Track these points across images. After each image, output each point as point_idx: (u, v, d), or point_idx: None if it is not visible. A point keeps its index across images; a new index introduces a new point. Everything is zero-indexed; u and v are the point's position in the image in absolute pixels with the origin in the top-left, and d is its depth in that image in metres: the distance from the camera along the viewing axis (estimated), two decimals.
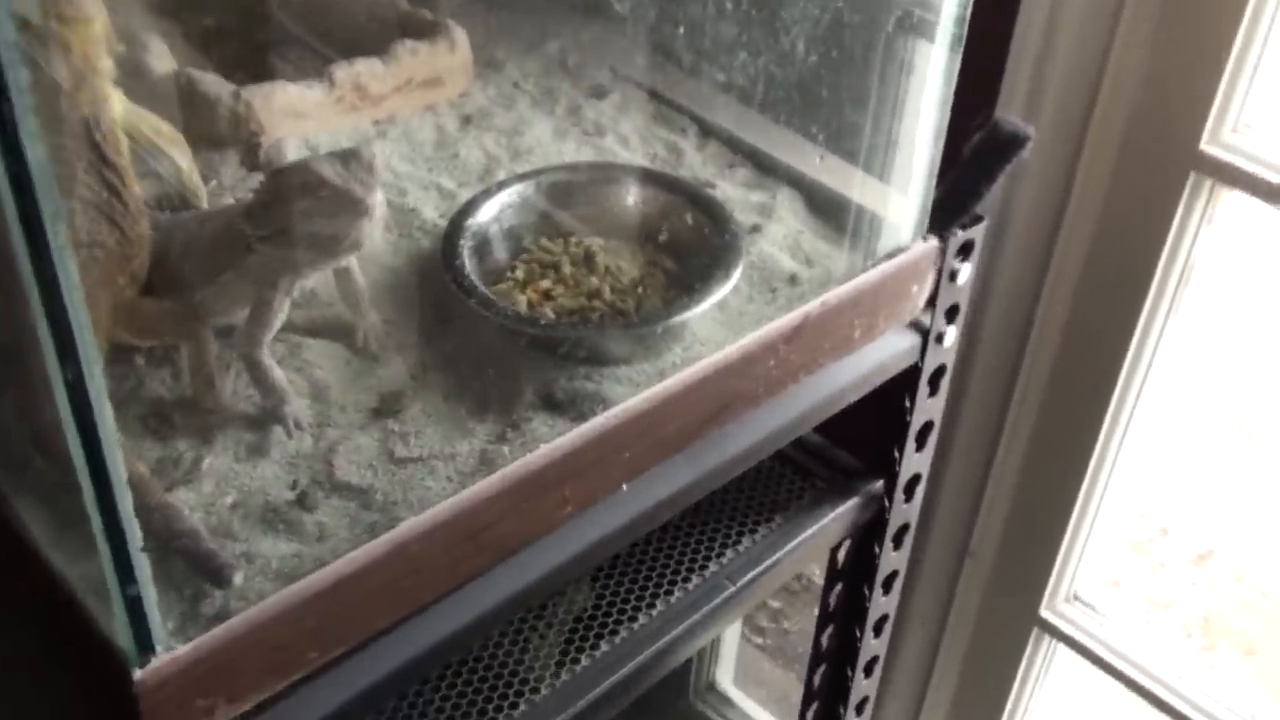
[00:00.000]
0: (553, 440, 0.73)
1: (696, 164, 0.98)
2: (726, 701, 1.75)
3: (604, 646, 0.90)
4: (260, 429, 0.74)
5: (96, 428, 0.52)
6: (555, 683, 0.87)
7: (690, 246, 0.87)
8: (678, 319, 0.79)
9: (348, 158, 0.70)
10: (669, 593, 0.95)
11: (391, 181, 0.92)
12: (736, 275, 0.82)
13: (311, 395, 0.76)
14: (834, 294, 0.85)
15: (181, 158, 0.82)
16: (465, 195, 0.90)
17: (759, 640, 1.97)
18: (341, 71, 0.93)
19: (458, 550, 0.70)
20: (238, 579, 0.63)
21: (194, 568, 0.64)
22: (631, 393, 0.77)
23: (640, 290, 0.84)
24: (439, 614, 0.72)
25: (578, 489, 0.75)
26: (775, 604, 1.95)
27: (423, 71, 0.97)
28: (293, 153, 0.91)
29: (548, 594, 0.81)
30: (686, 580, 0.96)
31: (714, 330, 0.83)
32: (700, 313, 0.80)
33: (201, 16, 0.99)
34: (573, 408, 0.76)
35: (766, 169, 0.98)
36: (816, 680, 1.22)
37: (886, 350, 0.94)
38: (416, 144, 0.96)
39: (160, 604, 0.60)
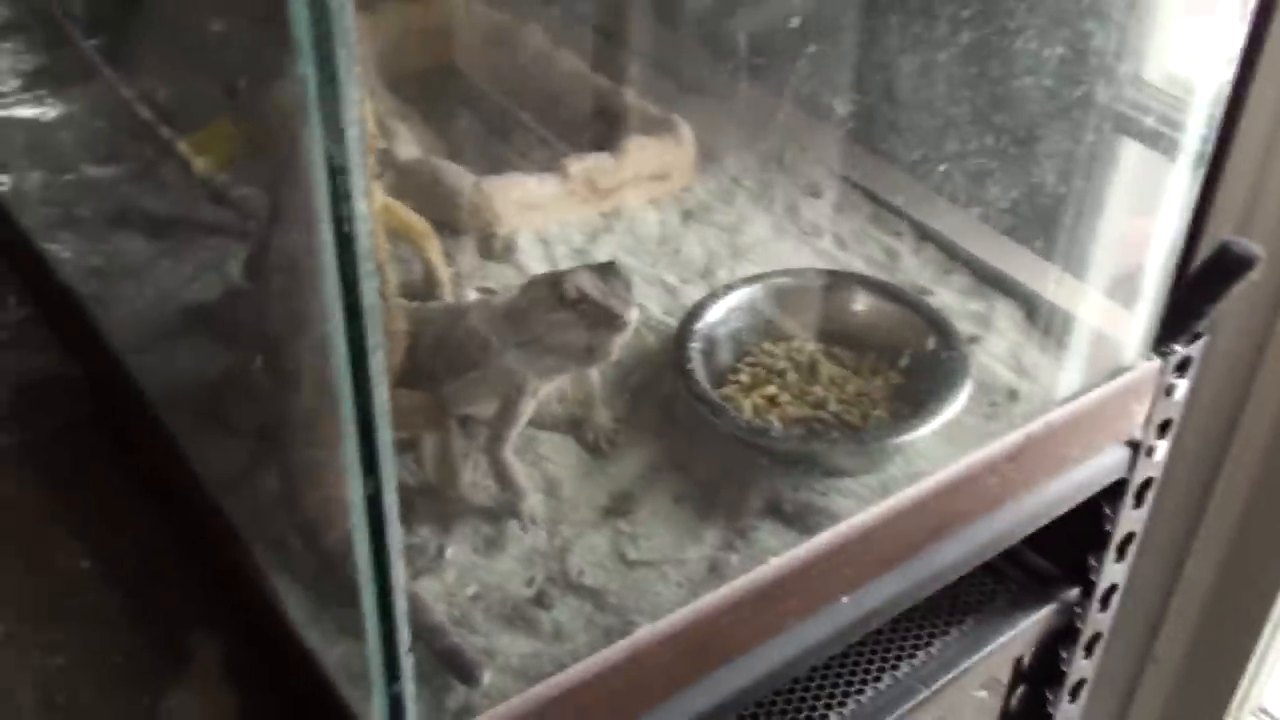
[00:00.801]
0: (781, 553, 0.74)
1: (912, 268, 0.98)
2: None
3: None
4: (496, 522, 0.76)
5: (386, 542, 0.55)
6: None
7: (915, 359, 0.87)
8: (908, 436, 0.80)
9: (605, 271, 0.72)
10: (860, 692, 0.95)
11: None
12: (965, 394, 0.82)
13: (545, 490, 0.78)
14: (1057, 414, 0.85)
15: (432, 251, 0.86)
16: (688, 291, 0.92)
17: None
18: (575, 165, 0.96)
19: (687, 658, 0.72)
20: (487, 678, 0.66)
21: (443, 663, 0.66)
22: (857, 507, 0.78)
23: (866, 402, 0.85)
24: (664, 713, 0.73)
25: (801, 601, 0.76)
26: None
27: (650, 166, 0.99)
28: (525, 243, 0.94)
29: (762, 696, 0.82)
30: (878, 680, 0.96)
31: (933, 444, 0.83)
32: (928, 432, 0.80)
33: (438, 102, 1.03)
34: (799, 520, 0.77)
35: (985, 277, 0.98)
36: None
37: (1099, 464, 0.93)
38: (640, 238, 0.98)
39: (414, 697, 0.62)
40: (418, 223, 0.84)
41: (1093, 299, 0.94)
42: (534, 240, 0.95)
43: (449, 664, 0.66)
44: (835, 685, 0.95)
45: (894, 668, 0.97)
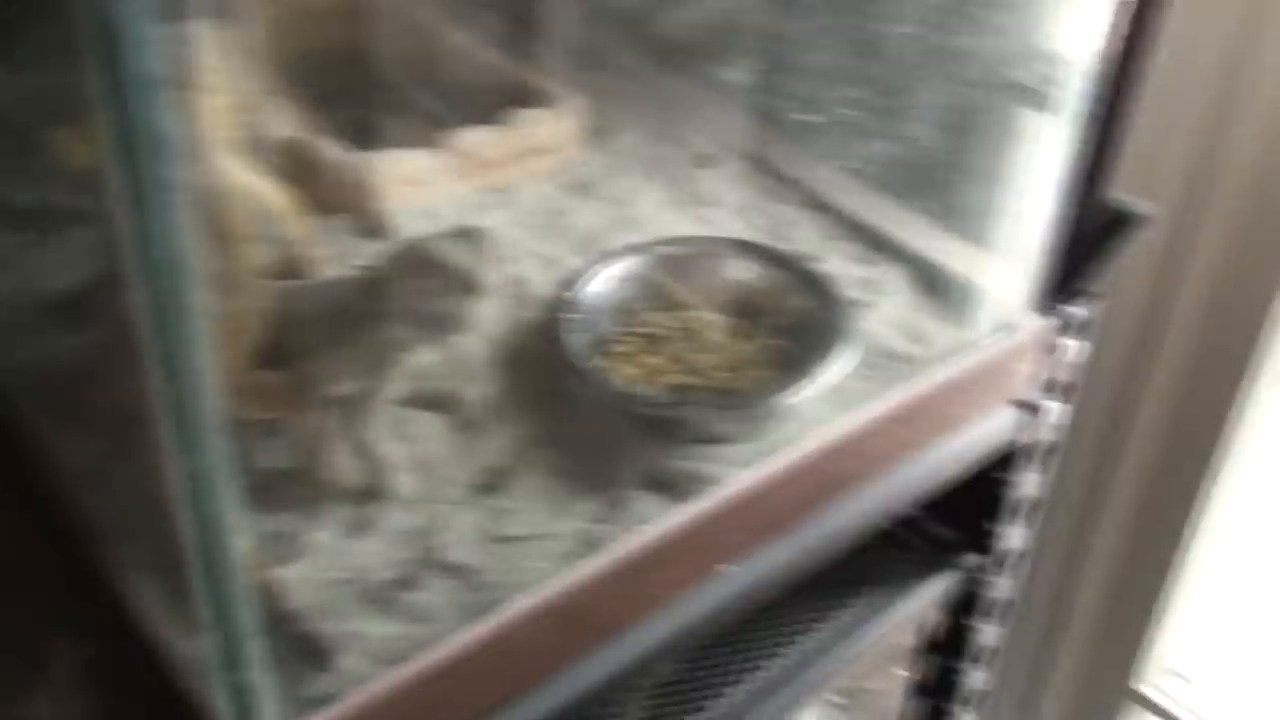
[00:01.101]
0: (656, 522, 0.73)
1: (803, 236, 0.97)
2: None
3: None
4: (365, 504, 0.74)
5: (216, 522, 0.53)
6: None
7: (800, 324, 0.86)
8: (785, 400, 0.78)
9: (466, 238, 0.70)
10: (757, 668, 0.94)
11: (501, 250, 0.92)
12: (846, 357, 0.81)
13: (415, 469, 0.76)
14: (942, 374, 0.84)
15: (297, 227, 0.83)
16: (573, 265, 0.90)
17: (841, 700, 1.94)
18: (455, 140, 0.94)
19: (561, 633, 0.70)
20: (341, 663, 0.64)
21: (299, 649, 0.64)
22: (737, 473, 0.76)
23: (747, 368, 0.84)
24: (539, 695, 0.71)
25: (680, 571, 0.75)
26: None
27: (535, 140, 0.98)
28: (406, 220, 0.92)
29: (644, 672, 0.81)
30: (776, 655, 0.95)
31: (819, 408, 0.82)
32: (809, 394, 0.79)
33: (317, 79, 1.00)
34: (676, 488, 0.76)
35: (875, 243, 0.97)
36: None
37: (992, 426, 0.93)
38: (527, 212, 0.96)
39: (265, 687, 0.60)
40: (282, 199, 0.82)
41: (983, 262, 0.93)
42: (417, 216, 0.93)
43: (304, 650, 0.64)
44: (734, 660, 0.94)
45: (792, 642, 0.96)
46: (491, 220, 0.95)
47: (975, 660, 1.10)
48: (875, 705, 1.84)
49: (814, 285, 0.87)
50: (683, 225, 0.97)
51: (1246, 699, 1.42)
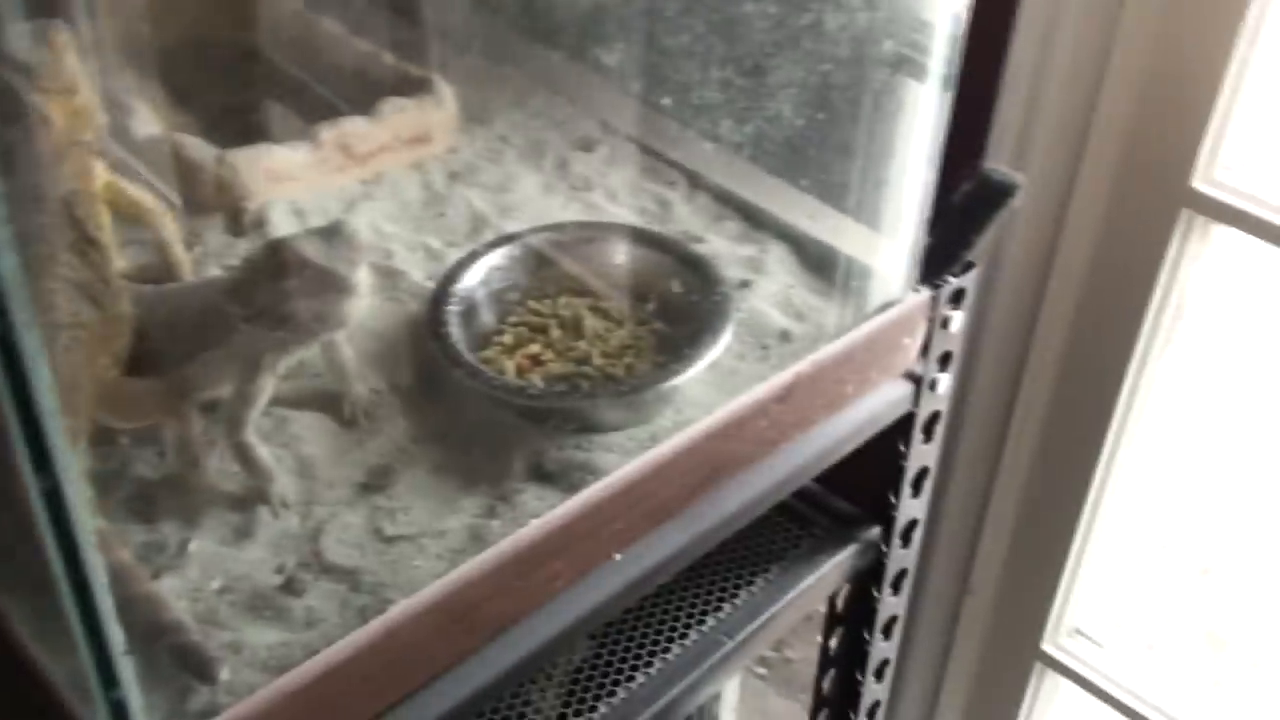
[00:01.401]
0: (543, 514, 0.72)
1: (685, 217, 0.97)
2: None
3: (602, 708, 0.89)
4: (246, 510, 0.73)
5: (76, 538, 0.52)
6: None
7: (680, 307, 0.86)
8: (667, 384, 0.78)
9: (331, 234, 0.69)
10: (666, 650, 0.94)
11: (378, 243, 0.91)
12: (725, 338, 0.81)
13: (298, 471, 0.75)
14: (826, 352, 0.84)
15: (165, 228, 0.81)
16: (453, 255, 0.89)
17: (762, 671, 1.95)
18: (326, 132, 0.92)
19: (449, 632, 0.69)
20: (224, 674, 0.62)
21: (179, 662, 0.63)
22: (623, 461, 0.76)
23: (630, 354, 0.83)
24: (432, 695, 0.70)
25: (570, 562, 0.74)
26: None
27: (409, 129, 0.96)
28: (277, 216, 0.90)
29: (540, 666, 0.80)
30: (684, 636, 0.95)
31: (705, 392, 0.82)
32: (690, 377, 0.79)
33: (185, 77, 0.98)
34: (563, 479, 0.75)
35: (757, 222, 0.97)
36: None
37: (880, 400, 0.93)
38: (404, 203, 0.95)
39: (146, 703, 0.59)
40: (147, 200, 0.80)
41: (864, 237, 0.93)
42: (288, 212, 0.91)
43: (185, 663, 0.63)
44: (643, 645, 0.94)
45: (700, 623, 0.96)
46: (369, 212, 0.93)
47: (882, 631, 1.11)
48: (797, 676, 1.86)
49: (695, 267, 0.87)
50: (564, 210, 0.96)
51: (1153, 659, 1.45)
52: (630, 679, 0.91)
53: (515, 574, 0.71)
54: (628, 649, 0.94)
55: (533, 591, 0.73)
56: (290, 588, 0.69)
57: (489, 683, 0.73)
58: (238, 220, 0.89)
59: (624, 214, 0.96)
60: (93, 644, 0.55)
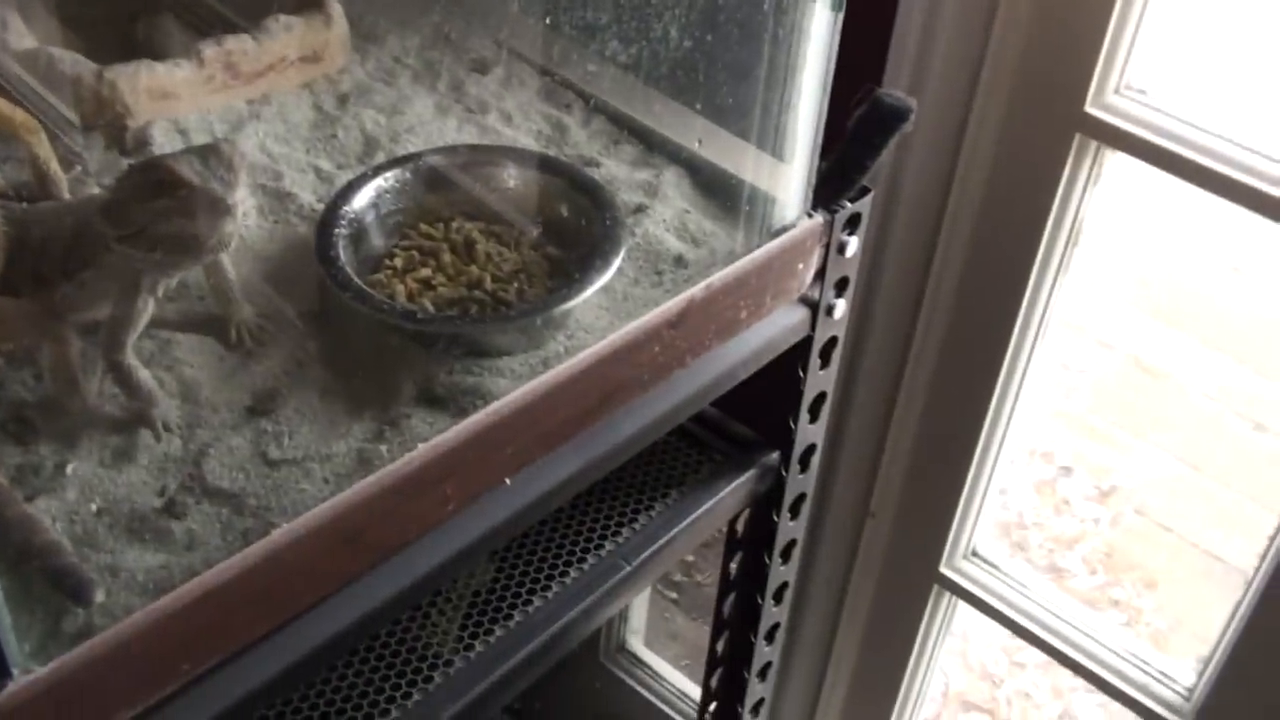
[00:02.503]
0: (432, 438, 0.71)
1: (581, 141, 0.96)
2: (638, 662, 1.76)
3: (499, 631, 0.89)
4: (127, 432, 0.71)
5: None
6: (454, 664, 0.87)
7: (574, 231, 0.85)
8: (558, 309, 0.78)
9: (207, 153, 0.67)
10: (564, 574, 0.95)
11: (266, 164, 0.89)
12: (617, 262, 0.81)
13: (182, 395, 0.74)
14: (718, 277, 0.84)
15: (39, 144, 0.79)
16: (344, 178, 0.87)
17: (672, 595, 1.98)
18: (210, 49, 0.90)
19: (335, 555, 0.69)
20: (99, 596, 0.62)
21: (54, 584, 0.62)
22: (513, 385, 0.75)
23: (522, 278, 0.83)
24: (319, 617, 0.70)
25: (460, 486, 0.74)
26: (689, 558, 1.96)
27: (297, 47, 0.94)
28: (160, 135, 0.88)
29: (433, 590, 0.80)
30: (583, 560, 0.96)
31: (599, 317, 0.82)
32: (581, 301, 0.78)
33: None
34: (453, 403, 0.75)
35: (653, 145, 0.96)
36: (720, 646, 1.23)
37: (776, 325, 0.94)
38: (292, 124, 0.93)
39: (18, 624, 0.58)
40: (20, 116, 0.77)
41: (760, 162, 0.93)
42: (171, 131, 0.88)
43: (60, 585, 0.62)
44: (541, 569, 0.94)
45: (599, 547, 0.97)
46: (257, 133, 0.91)
47: (781, 554, 1.13)
48: (706, 599, 1.88)
49: (589, 191, 0.86)
50: (458, 133, 0.94)
51: (1050, 581, 1.49)
52: (528, 603, 0.92)
53: (404, 498, 0.71)
54: (525, 573, 0.94)
55: (423, 515, 0.73)
56: (171, 511, 0.68)
57: (381, 605, 0.73)
58: (119, 139, 0.87)
59: (519, 137, 0.95)
60: None
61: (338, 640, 0.71)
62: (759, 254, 0.86)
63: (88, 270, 0.71)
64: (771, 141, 0.91)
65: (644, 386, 0.83)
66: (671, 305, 0.82)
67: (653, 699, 1.72)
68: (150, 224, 0.67)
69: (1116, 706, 1.32)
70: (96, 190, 0.82)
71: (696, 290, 0.83)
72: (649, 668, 1.75)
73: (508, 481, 0.77)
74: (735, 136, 0.93)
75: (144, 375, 0.71)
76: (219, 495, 0.69)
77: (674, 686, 1.73)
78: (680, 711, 1.70)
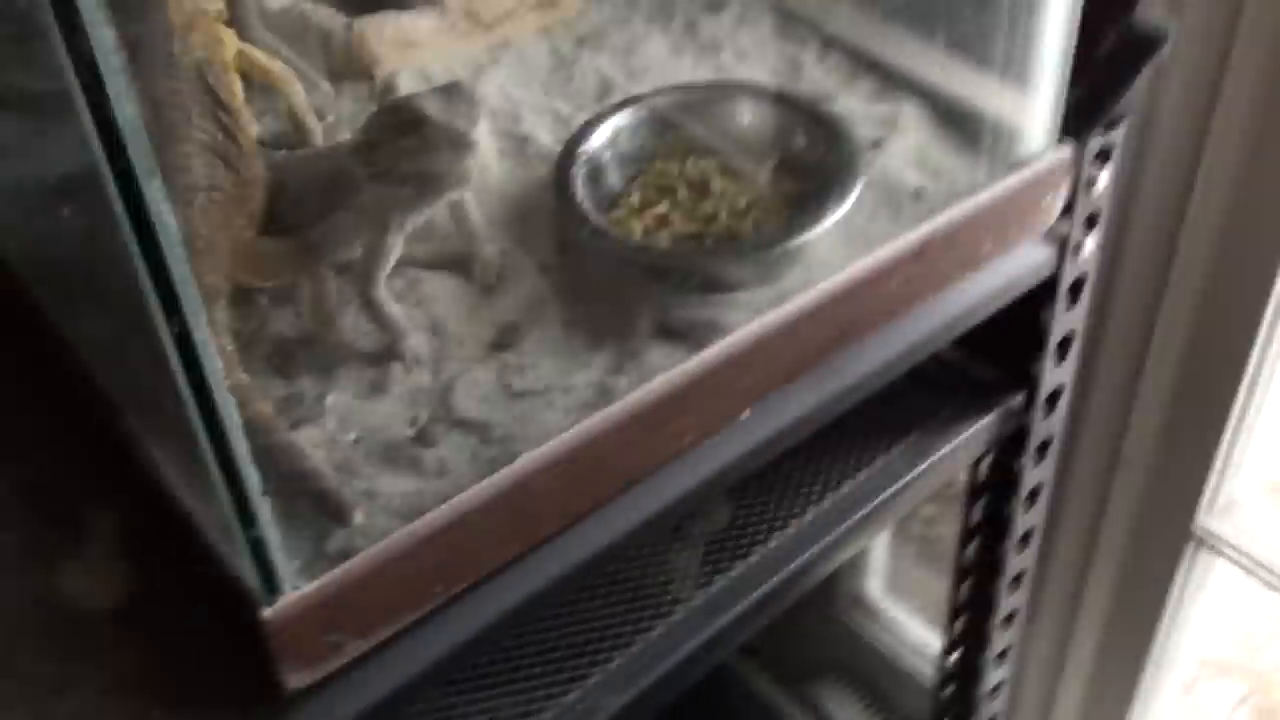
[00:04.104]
0: (668, 371, 0.72)
1: (817, 77, 0.94)
2: (875, 613, 1.74)
3: (738, 568, 0.90)
4: (380, 365, 0.74)
5: (207, 381, 0.53)
6: (692, 603, 0.87)
7: (810, 166, 0.84)
8: (794, 242, 0.77)
9: (449, 92, 0.70)
10: (802, 514, 0.94)
11: (507, 109, 0.91)
12: (854, 196, 0.79)
13: (429, 329, 0.77)
14: (960, 209, 0.82)
15: (295, 95, 0.83)
16: (580, 119, 0.88)
17: (910, 548, 1.95)
18: None
19: (577, 484, 0.70)
20: (358, 518, 0.64)
21: (317, 507, 0.65)
22: (749, 319, 0.75)
23: (758, 213, 0.82)
24: (561, 546, 0.72)
25: (696, 419, 0.74)
26: (929, 510, 1.93)
27: None
28: (406, 83, 0.91)
29: (672, 523, 0.81)
30: (821, 500, 0.95)
31: (836, 251, 0.80)
32: (817, 235, 0.77)
33: None
34: (689, 337, 0.75)
35: (892, 80, 0.94)
36: (962, 594, 1.20)
37: (1022, 263, 0.91)
38: (531, 68, 0.95)
39: (286, 544, 0.61)
40: (277, 68, 0.81)
41: (1005, 93, 0.90)
42: (416, 80, 0.91)
43: (322, 507, 0.65)
44: (780, 508, 0.94)
45: (837, 488, 0.96)
46: (497, 78, 0.93)
47: (1026, 500, 1.10)
48: (946, 547, 1.85)
49: (825, 125, 0.85)
50: (692, 72, 0.94)
51: None
52: (767, 540, 0.92)
53: (642, 429, 0.72)
54: (763, 513, 0.94)
55: (660, 447, 0.74)
56: (422, 439, 0.70)
57: (620, 537, 0.74)
58: (368, 88, 0.90)
59: (754, 73, 0.94)
60: (232, 485, 0.57)
61: (581, 568, 0.73)
62: (1003, 186, 0.84)
63: (340, 211, 0.74)
64: (1016, 71, 0.88)
65: (883, 322, 0.82)
66: (911, 238, 0.80)
67: (891, 646, 1.70)
68: (397, 161, 0.70)
69: None
70: (347, 137, 0.85)
71: (937, 222, 0.81)
72: (887, 615, 1.73)
73: (745, 415, 0.77)
74: (978, 67, 0.90)
75: (395, 309, 0.74)
76: (467, 425, 0.71)
77: (913, 634, 1.70)
78: (921, 658, 1.68)
